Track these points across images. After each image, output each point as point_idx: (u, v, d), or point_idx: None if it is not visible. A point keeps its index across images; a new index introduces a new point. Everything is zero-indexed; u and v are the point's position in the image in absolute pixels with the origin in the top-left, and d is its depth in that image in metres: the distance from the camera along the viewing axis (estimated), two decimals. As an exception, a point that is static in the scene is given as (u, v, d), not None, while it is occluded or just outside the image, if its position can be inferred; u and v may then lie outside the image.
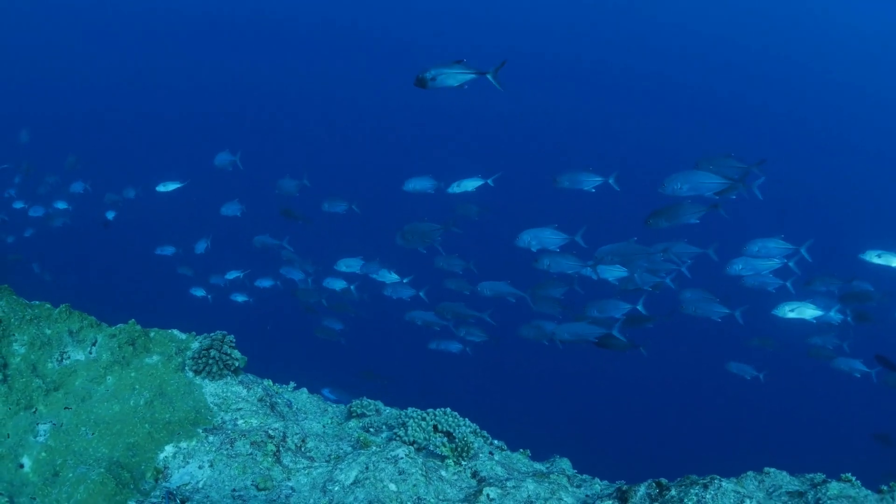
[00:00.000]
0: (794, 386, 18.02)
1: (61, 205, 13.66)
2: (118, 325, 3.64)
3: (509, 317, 8.75)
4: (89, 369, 3.49)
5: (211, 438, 3.23)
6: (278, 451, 3.21)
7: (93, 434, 3.28)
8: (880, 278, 7.94)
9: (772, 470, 3.48)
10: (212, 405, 3.42)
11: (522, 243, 7.22)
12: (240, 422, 3.37)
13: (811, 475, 3.51)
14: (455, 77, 5.75)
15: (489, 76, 5.81)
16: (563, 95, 39.66)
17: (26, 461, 3.23)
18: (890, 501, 3.33)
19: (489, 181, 7.88)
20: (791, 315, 7.40)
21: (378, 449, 3.20)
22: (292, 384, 4.02)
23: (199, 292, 12.50)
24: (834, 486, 3.28)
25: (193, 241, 11.58)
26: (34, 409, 3.37)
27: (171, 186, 10.30)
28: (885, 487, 3.39)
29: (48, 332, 3.60)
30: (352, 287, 10.07)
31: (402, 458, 3.13)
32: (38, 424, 3.32)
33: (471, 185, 7.88)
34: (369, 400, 3.80)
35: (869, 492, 3.34)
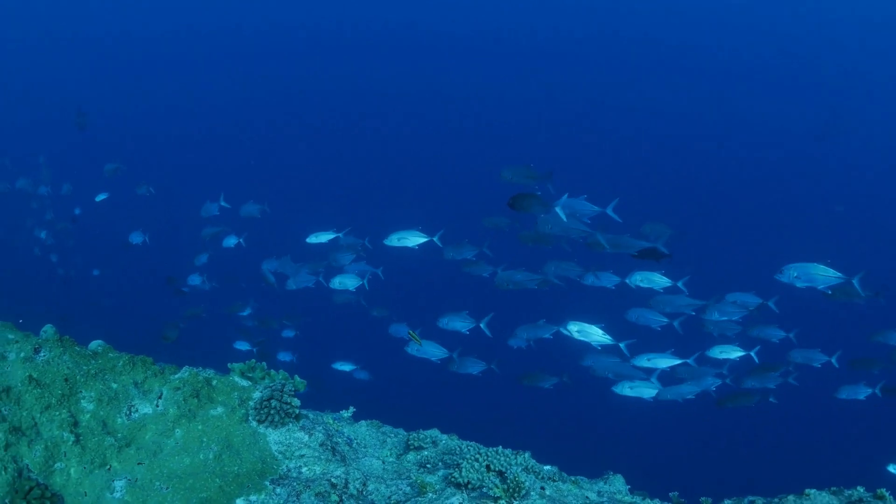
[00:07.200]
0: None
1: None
2: (181, 376, 3.80)
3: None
4: (158, 423, 3.68)
5: (279, 490, 3.42)
6: (341, 500, 3.41)
7: (167, 488, 3.49)
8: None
9: (812, 491, 3.61)
10: (276, 454, 3.61)
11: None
12: (304, 469, 3.56)
13: (849, 492, 3.65)
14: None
15: None
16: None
17: (108, 516, 3.46)
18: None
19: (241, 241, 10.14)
20: (630, 393, 7.04)
21: (434, 496, 3.38)
22: (352, 409, 4.19)
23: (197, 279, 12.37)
24: (872, 511, 3.42)
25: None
26: (108, 467, 3.58)
27: (100, 197, 11.71)
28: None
29: (114, 386, 3.78)
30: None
31: (459, 505, 3.31)
32: (113, 481, 3.54)
33: (231, 241, 9.91)
34: (425, 433, 3.98)
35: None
